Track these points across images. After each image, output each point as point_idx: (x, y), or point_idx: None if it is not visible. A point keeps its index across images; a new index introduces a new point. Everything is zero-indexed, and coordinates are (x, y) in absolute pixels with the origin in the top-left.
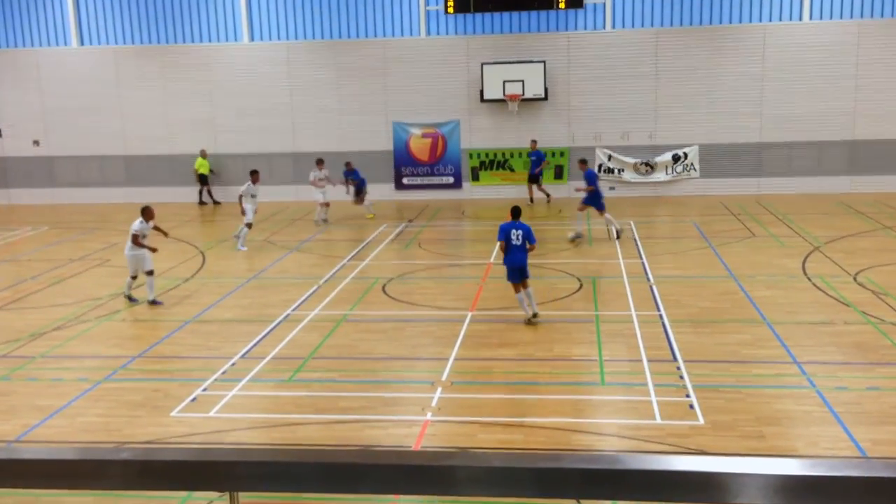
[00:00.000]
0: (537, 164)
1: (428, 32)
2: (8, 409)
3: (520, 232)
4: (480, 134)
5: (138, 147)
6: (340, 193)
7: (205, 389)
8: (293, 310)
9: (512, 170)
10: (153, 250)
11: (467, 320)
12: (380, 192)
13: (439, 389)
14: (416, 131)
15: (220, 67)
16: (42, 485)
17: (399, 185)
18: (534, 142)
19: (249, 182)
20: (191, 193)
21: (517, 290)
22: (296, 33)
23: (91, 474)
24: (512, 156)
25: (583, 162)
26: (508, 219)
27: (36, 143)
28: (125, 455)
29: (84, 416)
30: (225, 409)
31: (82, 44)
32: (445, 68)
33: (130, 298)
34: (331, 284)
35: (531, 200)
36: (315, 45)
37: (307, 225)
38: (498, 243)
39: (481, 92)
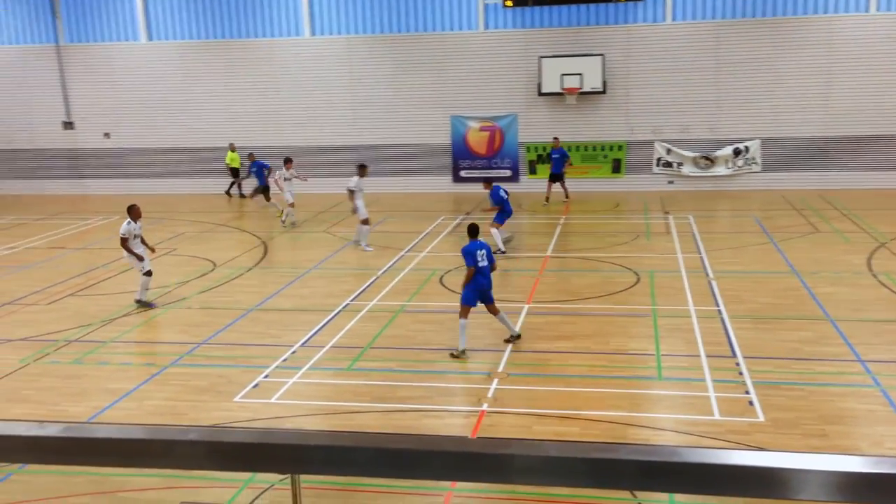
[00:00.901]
0: (560, 163)
1: (486, 26)
2: (80, 391)
3: (483, 251)
4: (538, 127)
5: (202, 139)
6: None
7: (266, 376)
8: (352, 300)
9: (570, 164)
10: (152, 250)
11: (524, 312)
12: (437, 184)
13: (496, 381)
14: (474, 125)
15: (281, 62)
16: (113, 463)
17: (456, 178)
18: (556, 139)
19: (357, 177)
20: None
21: (465, 315)
22: (356, 27)
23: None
24: (569, 149)
25: (487, 182)
26: (469, 239)
27: (106, 135)
28: (192, 436)
29: (151, 399)
30: (286, 395)
31: (150, 39)
32: (503, 62)
33: (149, 304)
34: (389, 275)
35: (547, 200)
36: (375, 39)
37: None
38: (468, 270)
39: (539, 85)
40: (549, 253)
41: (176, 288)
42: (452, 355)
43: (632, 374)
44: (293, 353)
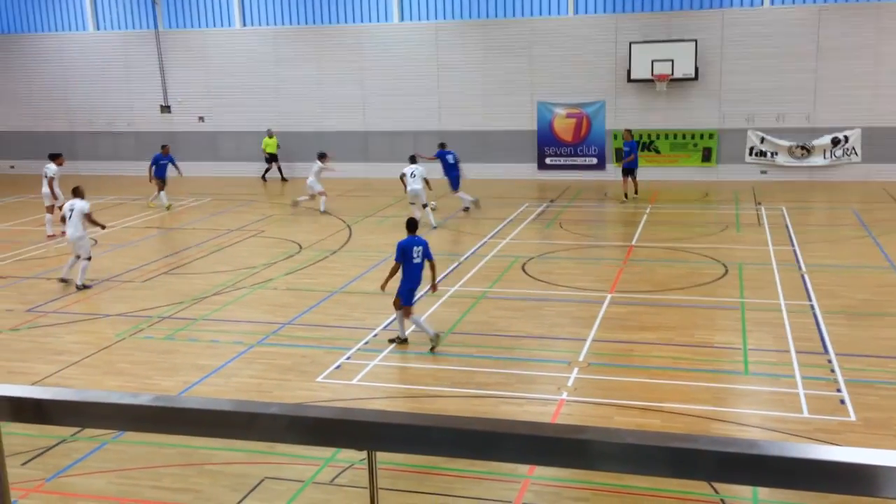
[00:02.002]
0: (631, 155)
1: (576, 11)
2: (171, 366)
3: (420, 248)
4: (626, 114)
5: (293, 124)
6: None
7: (348, 358)
8: None
9: (658, 151)
10: (103, 227)
11: (606, 302)
12: (522, 171)
13: (576, 369)
14: (561, 111)
15: (370, 47)
16: (199, 432)
17: (542, 165)
18: (628, 131)
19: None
20: (346, 168)
21: (409, 314)
22: (444, 13)
23: (243, 425)
24: (658, 137)
25: (441, 145)
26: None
27: (201, 119)
28: (274, 409)
29: (238, 376)
30: (367, 377)
31: (244, 25)
32: (592, 47)
33: (84, 286)
34: (471, 261)
35: (626, 196)
36: (463, 24)
37: (451, 202)
38: (393, 265)
39: (628, 72)
40: (634, 242)
41: (263, 269)
42: (390, 340)
43: (717, 368)
44: (375, 335)
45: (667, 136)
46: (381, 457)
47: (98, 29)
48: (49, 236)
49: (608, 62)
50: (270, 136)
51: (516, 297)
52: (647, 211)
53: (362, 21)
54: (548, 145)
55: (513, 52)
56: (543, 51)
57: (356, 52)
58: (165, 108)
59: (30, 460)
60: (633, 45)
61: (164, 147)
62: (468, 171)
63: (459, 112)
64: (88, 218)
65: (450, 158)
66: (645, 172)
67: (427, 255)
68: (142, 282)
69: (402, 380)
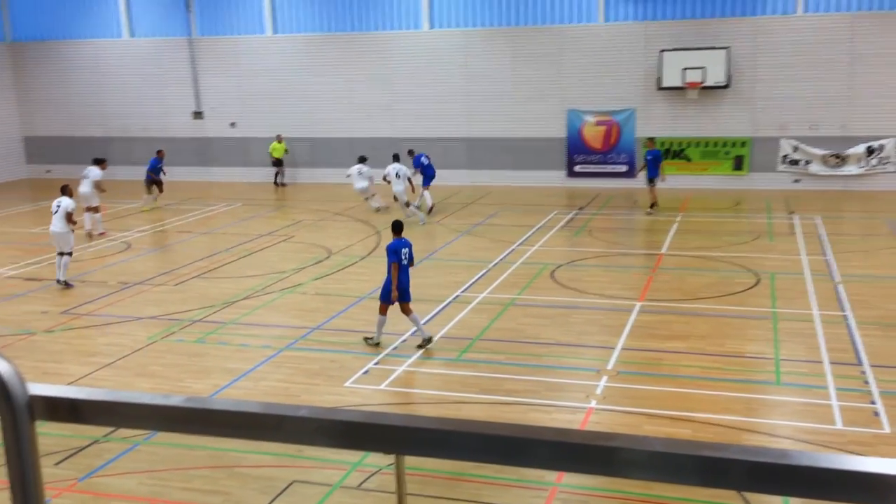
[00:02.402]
0: (655, 165)
1: (606, 19)
2: (201, 369)
3: (406, 250)
4: (656, 122)
5: (322, 130)
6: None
7: (377, 363)
8: (462, 291)
9: (688, 159)
10: (75, 223)
11: (636, 310)
12: (551, 179)
13: (605, 378)
14: (591, 119)
15: (400, 54)
16: (229, 434)
17: (571, 173)
18: (651, 140)
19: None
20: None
21: (384, 312)
22: (473, 21)
23: (271, 427)
24: (689, 145)
25: (410, 152)
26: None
27: (232, 124)
28: (303, 412)
29: (267, 380)
30: (395, 383)
31: (276, 32)
32: (622, 55)
33: (67, 283)
34: (500, 268)
35: (652, 206)
36: (492, 32)
37: (479, 208)
38: (392, 266)
39: (659, 79)
40: (663, 250)
41: (292, 274)
42: (366, 339)
43: (748, 378)
44: (403, 341)
45: (697, 144)
46: (410, 462)
47: (133, 36)
48: (100, 234)
49: (638, 70)
50: (279, 142)
51: (545, 304)
52: (678, 219)
53: (392, 28)
54: (577, 153)
55: (542, 60)
56: (573, 58)
57: (386, 59)
58: (198, 114)
59: (63, 460)
60: (663, 53)
61: (159, 152)
62: (497, 178)
63: (488, 119)
64: (69, 217)
65: (423, 160)
66: (675, 180)
67: (411, 257)
68: (174, 285)
69: (430, 386)
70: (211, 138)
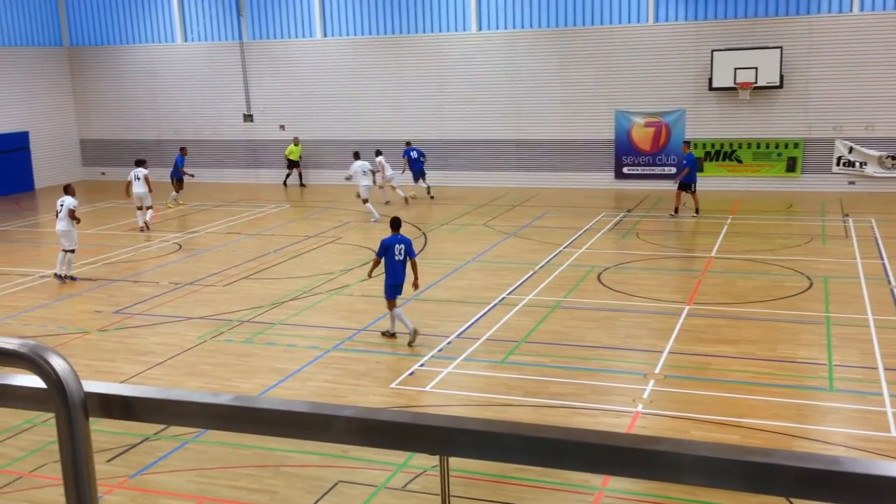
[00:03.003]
0: (691, 170)
1: (656, 19)
2: (250, 369)
3: (402, 246)
4: (706, 123)
5: (370, 132)
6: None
7: (422, 365)
8: (508, 293)
9: (739, 161)
10: (78, 221)
11: (684, 314)
12: (599, 180)
13: (652, 382)
14: (639, 120)
15: (447, 56)
16: (276, 432)
17: (619, 175)
18: (686, 144)
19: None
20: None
21: (391, 307)
22: (521, 22)
23: (317, 426)
24: (740, 146)
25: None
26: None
27: (282, 127)
28: (349, 412)
29: (314, 380)
30: (440, 384)
31: (325, 35)
32: (672, 56)
33: (72, 278)
34: (546, 270)
35: (676, 211)
36: (540, 33)
37: (526, 210)
38: (374, 260)
39: (710, 80)
40: (713, 254)
41: (339, 275)
42: (383, 334)
43: (800, 384)
44: (449, 343)
45: (749, 146)
46: (454, 464)
47: (186, 41)
48: (142, 228)
49: (689, 70)
50: (296, 144)
51: (591, 307)
52: (728, 222)
53: (440, 31)
54: (626, 154)
55: (590, 61)
56: (622, 59)
57: (434, 62)
58: (248, 117)
59: (115, 457)
60: (715, 53)
61: (182, 149)
62: (545, 180)
63: (536, 121)
64: (72, 214)
65: (413, 154)
66: (726, 182)
67: (410, 253)
68: (223, 286)
69: (476, 388)
70: (260, 140)
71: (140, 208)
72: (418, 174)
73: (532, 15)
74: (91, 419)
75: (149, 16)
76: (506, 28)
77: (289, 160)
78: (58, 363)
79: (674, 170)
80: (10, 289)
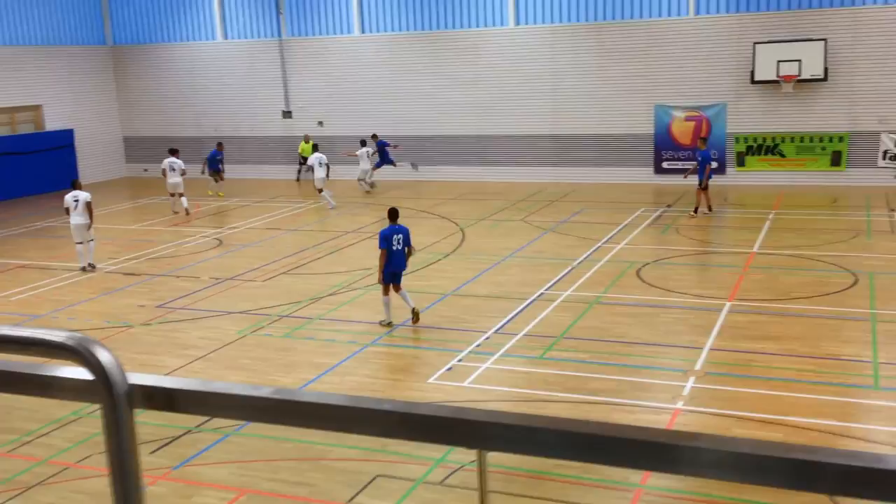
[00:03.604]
0: (701, 168)
1: (697, 12)
2: (289, 363)
3: (400, 236)
4: (748, 117)
5: (407, 128)
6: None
7: (460, 360)
8: (546, 289)
9: (782, 155)
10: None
11: (725, 310)
12: (639, 175)
13: (692, 379)
14: (679, 114)
15: (485, 51)
16: (315, 425)
17: (658, 169)
18: (703, 140)
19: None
20: (460, 172)
21: (386, 292)
22: (560, 16)
23: (356, 419)
24: (783, 140)
25: (374, 136)
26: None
27: (320, 123)
28: (387, 406)
29: (352, 375)
30: (478, 380)
31: (363, 32)
32: (714, 48)
33: (92, 265)
34: (585, 266)
35: (709, 209)
36: (579, 27)
37: (565, 206)
38: (380, 252)
39: (752, 73)
40: (755, 249)
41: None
42: (381, 324)
43: (844, 382)
44: (487, 338)
45: (792, 140)
46: (494, 460)
47: (226, 38)
48: (178, 212)
49: (730, 63)
50: (307, 142)
51: (631, 302)
52: (770, 217)
53: (478, 26)
54: (665, 149)
55: (629, 55)
56: (662, 52)
57: (472, 57)
58: (287, 114)
59: (158, 449)
60: (757, 46)
61: (219, 144)
62: (583, 175)
63: (575, 115)
64: (88, 206)
65: (385, 147)
66: (769, 177)
67: (407, 242)
68: (262, 281)
69: (514, 384)
70: (299, 137)
71: (173, 195)
72: (380, 165)
73: (570, 9)
74: (135, 411)
75: (190, 15)
76: (544, 22)
77: (302, 157)
78: (103, 355)
79: (715, 164)
80: (57, 283)
